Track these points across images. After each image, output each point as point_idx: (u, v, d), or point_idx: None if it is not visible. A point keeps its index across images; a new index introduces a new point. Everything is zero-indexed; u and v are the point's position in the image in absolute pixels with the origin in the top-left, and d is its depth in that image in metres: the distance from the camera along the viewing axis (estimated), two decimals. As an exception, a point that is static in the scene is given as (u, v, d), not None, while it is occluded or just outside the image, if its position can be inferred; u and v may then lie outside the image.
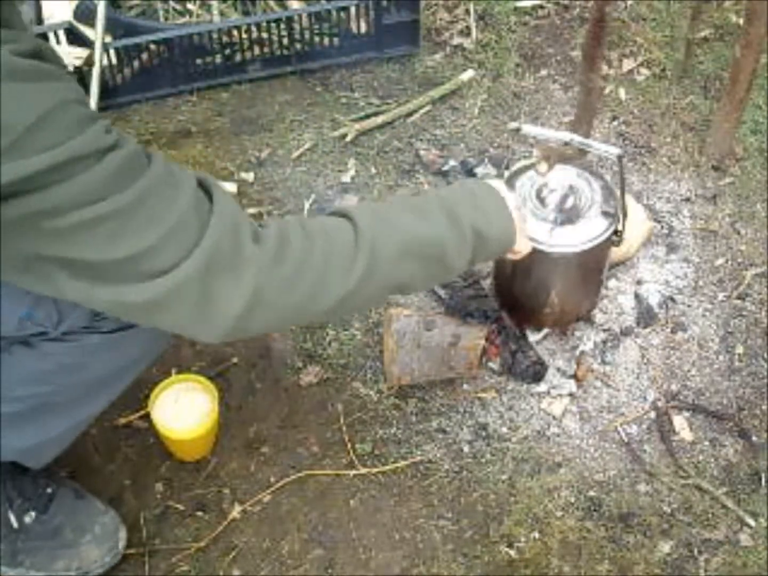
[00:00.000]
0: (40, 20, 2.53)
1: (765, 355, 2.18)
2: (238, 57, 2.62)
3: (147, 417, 1.99)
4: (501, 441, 2.05)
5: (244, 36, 2.58)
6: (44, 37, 2.44)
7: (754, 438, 2.06)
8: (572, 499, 1.98)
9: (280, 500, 1.98)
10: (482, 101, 2.64)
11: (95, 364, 1.63)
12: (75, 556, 1.82)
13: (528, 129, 2.02)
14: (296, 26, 2.60)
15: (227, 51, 2.62)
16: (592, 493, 1.99)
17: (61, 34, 2.44)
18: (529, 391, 2.12)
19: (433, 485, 2.00)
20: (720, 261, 2.33)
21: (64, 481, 1.90)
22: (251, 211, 2.40)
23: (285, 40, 2.62)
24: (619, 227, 2.03)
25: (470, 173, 2.47)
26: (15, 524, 1.80)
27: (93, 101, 2.44)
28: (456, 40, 2.78)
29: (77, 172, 1.19)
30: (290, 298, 1.41)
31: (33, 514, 1.81)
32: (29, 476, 1.82)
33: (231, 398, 2.10)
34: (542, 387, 2.12)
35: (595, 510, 1.96)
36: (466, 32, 2.80)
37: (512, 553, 1.91)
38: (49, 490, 1.83)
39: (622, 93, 2.67)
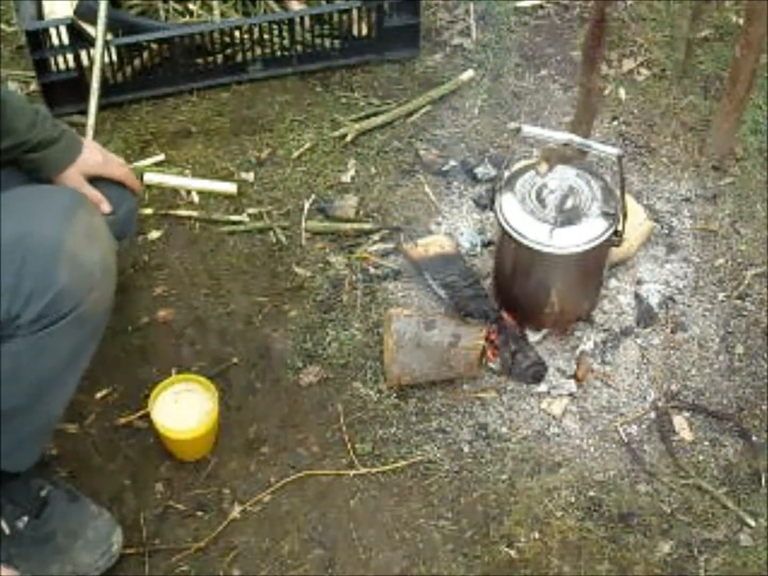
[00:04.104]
0: (40, 17, 2.53)
1: (765, 355, 2.18)
2: (238, 57, 2.62)
3: (147, 417, 1.99)
4: (501, 441, 2.05)
5: (245, 36, 2.58)
6: (45, 33, 2.44)
7: (754, 438, 2.06)
8: (572, 499, 1.98)
9: (280, 500, 1.98)
10: (482, 101, 2.64)
11: (29, 367, 1.62)
12: (68, 560, 1.82)
13: (528, 129, 2.02)
14: (297, 28, 2.60)
15: (228, 51, 2.62)
16: (592, 493, 1.99)
17: (63, 31, 2.44)
18: (529, 391, 2.12)
19: (433, 485, 2.00)
20: (720, 261, 2.33)
21: (59, 482, 1.89)
22: (251, 211, 2.41)
23: (286, 42, 2.62)
24: (619, 227, 2.04)
25: (470, 173, 2.47)
26: (7, 531, 1.80)
27: (93, 100, 2.44)
28: (456, 40, 2.78)
29: None
30: None
31: (25, 519, 1.80)
32: (20, 480, 1.80)
33: (231, 398, 2.10)
34: (542, 387, 2.12)
35: (595, 510, 1.96)
36: (466, 32, 2.80)
37: (512, 553, 1.91)
38: (42, 494, 1.82)
39: (622, 93, 2.67)
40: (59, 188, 1.70)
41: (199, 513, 1.95)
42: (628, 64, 2.73)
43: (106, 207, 1.86)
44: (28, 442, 1.73)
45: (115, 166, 1.91)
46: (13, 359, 1.59)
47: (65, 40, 2.46)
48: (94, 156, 1.87)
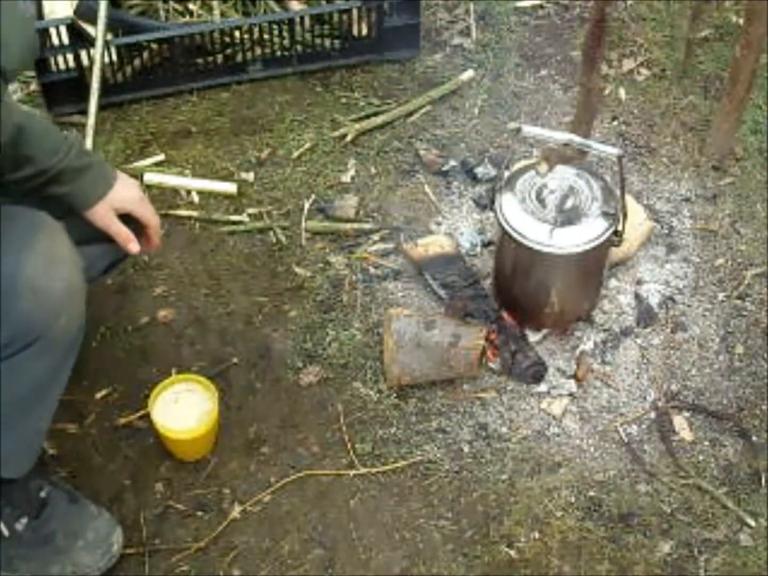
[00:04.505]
0: (40, 16, 2.53)
1: (765, 355, 2.18)
2: (238, 57, 2.62)
3: (147, 417, 1.99)
4: (501, 441, 2.05)
5: (245, 36, 2.58)
6: (45, 33, 2.44)
7: (754, 438, 2.06)
8: (572, 499, 1.98)
9: (280, 500, 1.98)
10: (482, 101, 2.64)
11: (3, 390, 1.60)
12: (68, 561, 1.82)
13: (528, 129, 2.03)
14: (297, 28, 2.60)
15: (228, 51, 2.62)
16: (592, 493, 1.99)
17: (63, 31, 2.44)
18: (529, 391, 2.12)
19: (433, 485, 2.00)
20: (720, 261, 2.33)
21: (58, 483, 1.89)
22: (251, 211, 2.41)
23: (286, 42, 2.62)
24: (619, 227, 2.04)
25: (470, 173, 2.47)
26: (6, 532, 1.80)
27: (93, 100, 2.44)
28: (456, 40, 2.78)
29: None
30: None
31: (24, 520, 1.80)
32: (19, 482, 1.79)
33: (231, 398, 2.10)
34: (542, 387, 2.12)
35: (595, 510, 1.96)
36: (466, 32, 2.80)
37: (512, 553, 1.91)
38: (42, 494, 1.82)
39: (622, 93, 2.67)
40: (18, 211, 1.59)
41: (199, 513, 1.95)
42: (628, 64, 2.73)
43: (134, 246, 1.77)
44: (14, 454, 1.72)
45: (149, 209, 1.81)
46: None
47: (65, 40, 2.46)
48: (129, 192, 1.77)
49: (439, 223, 2.40)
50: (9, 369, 1.57)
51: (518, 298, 2.16)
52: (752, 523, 1.94)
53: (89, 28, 2.46)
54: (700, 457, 2.04)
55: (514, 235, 2.01)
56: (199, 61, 2.60)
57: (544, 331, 2.18)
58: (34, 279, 1.53)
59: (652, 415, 2.10)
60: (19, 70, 1.58)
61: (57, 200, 1.69)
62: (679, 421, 2.09)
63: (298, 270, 2.31)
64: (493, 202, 2.08)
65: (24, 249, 1.54)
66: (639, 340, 2.20)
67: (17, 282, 1.52)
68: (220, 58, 2.62)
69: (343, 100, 2.64)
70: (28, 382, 1.62)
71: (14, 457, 1.72)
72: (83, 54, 2.49)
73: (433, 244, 2.28)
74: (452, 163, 2.50)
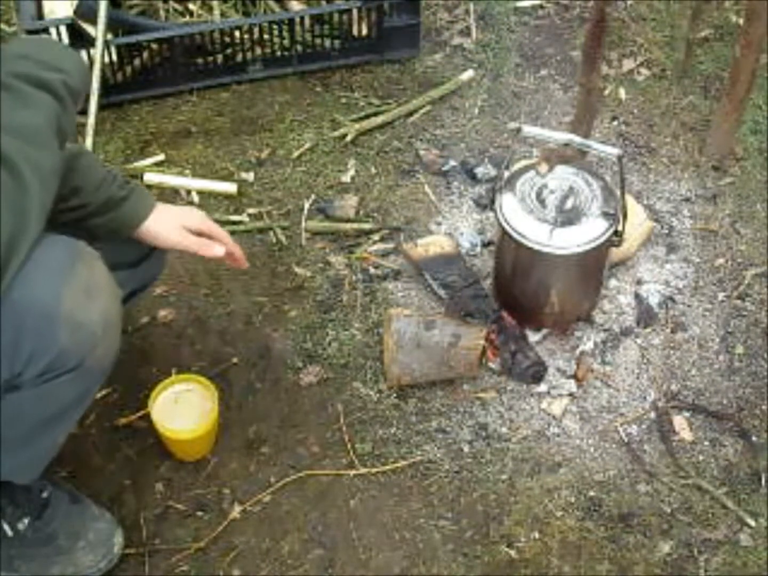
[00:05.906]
0: (40, 17, 2.53)
1: (765, 355, 2.18)
2: (238, 57, 2.62)
3: (147, 417, 1.99)
4: (501, 441, 2.05)
5: (245, 36, 2.58)
6: (45, 33, 2.44)
7: (754, 438, 2.06)
8: (572, 499, 1.98)
9: (280, 500, 1.98)
10: (482, 101, 2.64)
11: (31, 412, 1.62)
12: (69, 562, 1.82)
13: (528, 130, 2.03)
14: (297, 28, 2.60)
15: (228, 51, 2.62)
16: (592, 493, 1.99)
17: (63, 31, 2.44)
18: (529, 391, 2.12)
19: (433, 485, 2.00)
20: (720, 261, 2.33)
21: (60, 483, 1.89)
22: (251, 211, 2.41)
23: (286, 42, 2.62)
24: (619, 227, 2.04)
25: (470, 173, 2.47)
26: (9, 532, 1.80)
27: (93, 100, 2.44)
28: (456, 40, 2.78)
29: None
30: None
31: (26, 520, 1.80)
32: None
33: (231, 398, 2.10)
34: (542, 387, 2.12)
35: (595, 510, 1.97)
36: (466, 32, 2.80)
37: (512, 553, 1.91)
38: (44, 495, 1.82)
39: (622, 93, 2.67)
40: (55, 239, 1.57)
41: (199, 513, 1.95)
42: (628, 64, 2.73)
43: (218, 250, 1.83)
44: (27, 465, 1.72)
45: (215, 225, 1.88)
46: (16, 406, 1.58)
47: (65, 40, 2.46)
48: (194, 213, 1.89)
49: (439, 223, 2.40)
50: (40, 394, 1.58)
51: (518, 298, 2.16)
52: (752, 523, 1.94)
53: (89, 28, 2.46)
54: (700, 457, 2.04)
55: (514, 235, 2.01)
56: (199, 61, 2.60)
57: (544, 331, 2.19)
58: (72, 312, 1.52)
59: (652, 415, 2.10)
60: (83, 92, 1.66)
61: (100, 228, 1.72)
62: (679, 421, 2.09)
63: (298, 270, 2.31)
64: (493, 202, 2.08)
65: (63, 280, 1.52)
66: (639, 340, 2.20)
67: (56, 314, 1.51)
68: (220, 58, 2.62)
69: (343, 100, 2.64)
70: (56, 405, 1.63)
71: (27, 467, 1.73)
72: (83, 54, 2.49)
73: (433, 244, 2.28)
74: (452, 163, 2.50)
